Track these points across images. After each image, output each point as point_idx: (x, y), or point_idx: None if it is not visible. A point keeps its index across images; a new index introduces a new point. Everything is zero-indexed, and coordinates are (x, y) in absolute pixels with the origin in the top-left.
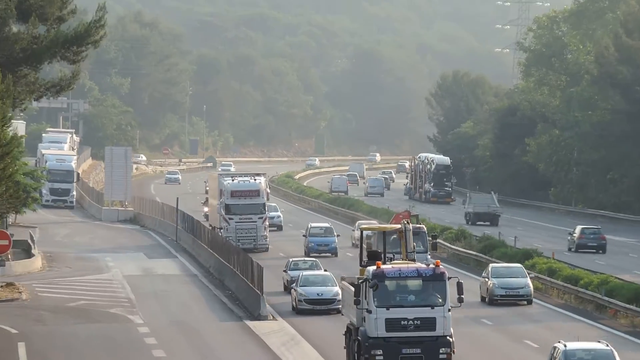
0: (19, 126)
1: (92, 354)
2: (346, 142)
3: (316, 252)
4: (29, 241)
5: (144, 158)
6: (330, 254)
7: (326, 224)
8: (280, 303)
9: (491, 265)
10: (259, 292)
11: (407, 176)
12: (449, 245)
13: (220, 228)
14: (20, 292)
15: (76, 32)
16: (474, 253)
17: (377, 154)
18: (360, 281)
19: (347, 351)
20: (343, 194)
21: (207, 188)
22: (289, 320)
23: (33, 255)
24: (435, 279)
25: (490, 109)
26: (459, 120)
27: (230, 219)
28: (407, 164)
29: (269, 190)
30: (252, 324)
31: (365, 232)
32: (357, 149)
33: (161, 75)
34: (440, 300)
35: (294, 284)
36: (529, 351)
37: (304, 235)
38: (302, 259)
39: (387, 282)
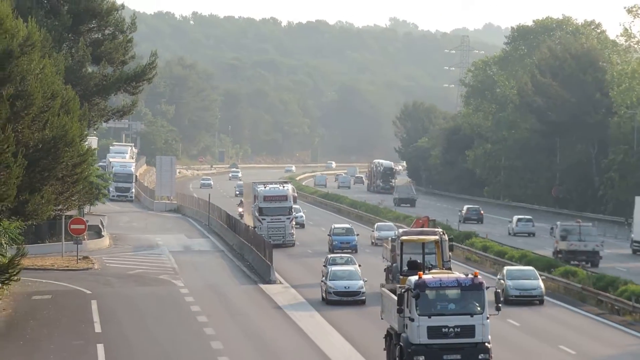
0: (92, 141)
1: (146, 308)
2: (334, 153)
3: (339, 249)
4: (100, 225)
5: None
6: (351, 251)
7: (347, 225)
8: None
9: (506, 267)
10: (269, 263)
11: (366, 176)
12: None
13: (255, 227)
14: (93, 263)
15: (135, 72)
16: None
17: (333, 162)
18: (402, 290)
19: (387, 355)
20: (347, 188)
21: (237, 192)
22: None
23: (103, 236)
24: (474, 289)
25: (440, 129)
26: (417, 137)
27: (263, 219)
28: (358, 169)
29: (296, 194)
30: (264, 287)
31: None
32: (342, 158)
33: (197, 104)
34: (479, 308)
35: (324, 277)
36: None
37: (329, 235)
38: (339, 255)
39: (428, 292)
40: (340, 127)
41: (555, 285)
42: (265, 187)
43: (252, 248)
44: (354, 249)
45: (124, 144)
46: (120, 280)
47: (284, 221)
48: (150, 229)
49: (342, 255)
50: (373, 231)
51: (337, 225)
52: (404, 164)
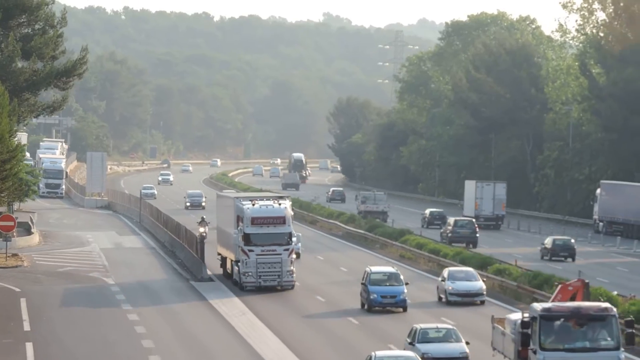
0: (22, 137)
1: (77, 306)
2: (268, 149)
3: (379, 305)
4: (29, 222)
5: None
6: (399, 309)
7: (390, 269)
8: None
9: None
10: (201, 260)
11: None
12: (343, 225)
13: (237, 261)
14: (22, 261)
15: (66, 67)
16: (362, 232)
17: (218, 160)
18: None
19: None
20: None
21: (188, 204)
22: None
23: (32, 233)
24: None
25: (374, 125)
26: (351, 133)
27: (250, 250)
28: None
29: (292, 213)
30: (195, 284)
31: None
32: (277, 153)
33: (129, 99)
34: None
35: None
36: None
37: (362, 283)
38: (433, 326)
39: None
40: (273, 123)
41: (490, 283)
42: (253, 205)
43: (184, 245)
44: (402, 306)
45: (54, 140)
46: (50, 277)
47: (280, 253)
48: (81, 226)
49: (439, 326)
50: (442, 280)
51: (375, 270)
52: (328, 161)
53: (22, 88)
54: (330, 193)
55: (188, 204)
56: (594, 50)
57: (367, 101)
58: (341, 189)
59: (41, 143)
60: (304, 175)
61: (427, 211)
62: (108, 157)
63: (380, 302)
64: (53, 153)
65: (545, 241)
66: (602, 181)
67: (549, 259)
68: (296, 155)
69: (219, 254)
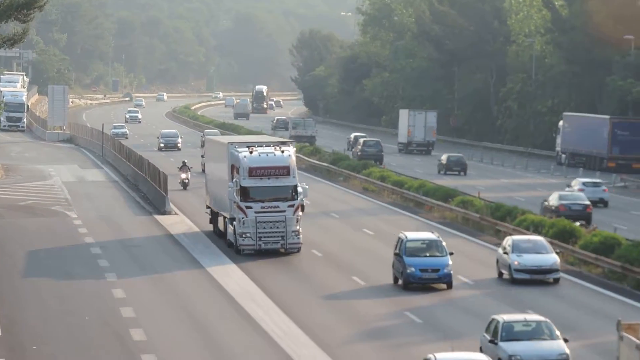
0: None
1: (38, 240)
2: (230, 82)
3: (418, 282)
4: None
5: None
6: (442, 285)
7: (430, 234)
8: None
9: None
10: (164, 194)
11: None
12: (306, 158)
13: (232, 219)
14: None
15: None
16: (326, 164)
17: (164, 94)
18: None
19: None
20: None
21: (162, 144)
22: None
23: None
24: None
25: (337, 58)
26: (314, 66)
27: (247, 207)
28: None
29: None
30: (159, 217)
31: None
32: (239, 87)
33: (90, 32)
34: None
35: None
36: (367, 237)
37: (396, 253)
38: (519, 318)
39: None
40: (236, 56)
41: (453, 215)
42: (251, 153)
43: (147, 179)
44: (446, 282)
45: (15, 73)
46: (11, 211)
47: (283, 210)
48: (43, 159)
49: (527, 319)
50: (504, 252)
51: (411, 237)
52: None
53: None
54: (274, 122)
55: (162, 144)
56: None
57: (330, 34)
58: (284, 117)
59: (2, 76)
60: (265, 106)
61: (352, 135)
62: (70, 91)
63: (420, 278)
64: (14, 86)
65: (441, 158)
66: (564, 113)
67: (444, 173)
68: (258, 87)
69: (208, 207)
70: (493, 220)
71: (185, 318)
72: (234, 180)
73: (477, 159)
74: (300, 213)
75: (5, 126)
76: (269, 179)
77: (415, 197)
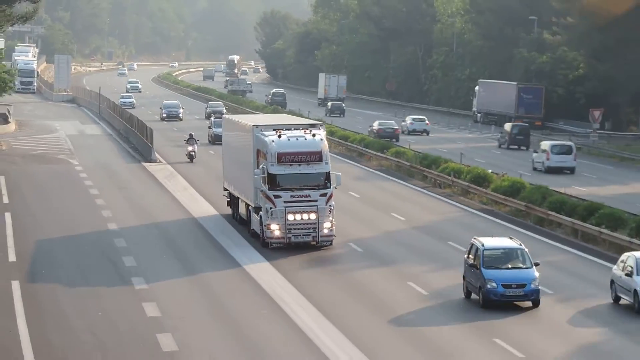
0: (0, 42)
1: (47, 183)
2: (206, 54)
3: (502, 299)
4: (7, 113)
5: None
6: (528, 302)
7: (510, 241)
8: None
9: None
10: (150, 145)
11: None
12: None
13: (257, 208)
14: (1, 145)
15: None
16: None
17: (135, 63)
18: None
19: None
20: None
21: (164, 115)
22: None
23: (9, 122)
24: None
25: (293, 34)
26: (274, 40)
27: (276, 197)
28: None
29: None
30: (146, 164)
31: None
32: (214, 58)
33: (89, 11)
34: None
35: None
36: None
37: (471, 265)
38: None
39: None
40: (210, 31)
41: (388, 164)
42: (279, 138)
43: (136, 132)
44: (533, 300)
45: (27, 44)
46: (25, 159)
47: (315, 200)
48: (50, 116)
49: None
50: (626, 274)
51: (489, 245)
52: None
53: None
54: (225, 82)
55: (164, 115)
56: None
57: (288, 14)
58: (234, 78)
59: (16, 47)
60: (236, 72)
61: (271, 92)
62: (72, 60)
63: (503, 295)
64: (26, 56)
65: (373, 124)
66: (480, 80)
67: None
68: (230, 57)
69: (226, 190)
70: (421, 168)
71: (165, 246)
72: (261, 166)
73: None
74: (333, 202)
75: (19, 89)
76: (299, 165)
77: (357, 148)
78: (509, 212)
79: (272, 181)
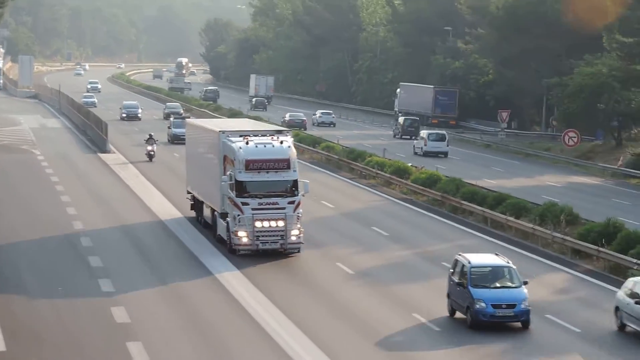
0: None
1: (11, 171)
2: (156, 56)
3: (490, 319)
4: None
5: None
6: (517, 323)
7: (497, 259)
8: None
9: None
10: (105, 137)
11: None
12: (210, 112)
13: (224, 214)
14: None
15: None
16: (226, 117)
17: (87, 64)
18: None
19: None
20: (160, 78)
21: (124, 114)
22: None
23: None
24: None
25: (234, 39)
26: (217, 45)
27: (244, 204)
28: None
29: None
30: (101, 155)
31: None
32: (162, 60)
33: (50, 16)
34: None
35: None
36: None
37: (457, 283)
38: None
39: None
40: (159, 36)
41: (319, 157)
42: (247, 144)
43: (92, 126)
44: (523, 320)
45: None
46: None
47: (283, 207)
48: (14, 110)
49: None
50: (637, 300)
51: (476, 262)
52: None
53: None
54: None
55: (124, 114)
56: None
57: (230, 21)
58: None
59: None
60: (184, 72)
61: (204, 89)
62: (35, 60)
63: (492, 315)
64: None
65: (316, 113)
66: (401, 83)
67: (317, 125)
68: (179, 59)
69: (189, 193)
70: (348, 161)
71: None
72: (228, 173)
73: (336, 115)
74: (300, 210)
75: None
76: (267, 172)
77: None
78: (427, 201)
79: (240, 188)
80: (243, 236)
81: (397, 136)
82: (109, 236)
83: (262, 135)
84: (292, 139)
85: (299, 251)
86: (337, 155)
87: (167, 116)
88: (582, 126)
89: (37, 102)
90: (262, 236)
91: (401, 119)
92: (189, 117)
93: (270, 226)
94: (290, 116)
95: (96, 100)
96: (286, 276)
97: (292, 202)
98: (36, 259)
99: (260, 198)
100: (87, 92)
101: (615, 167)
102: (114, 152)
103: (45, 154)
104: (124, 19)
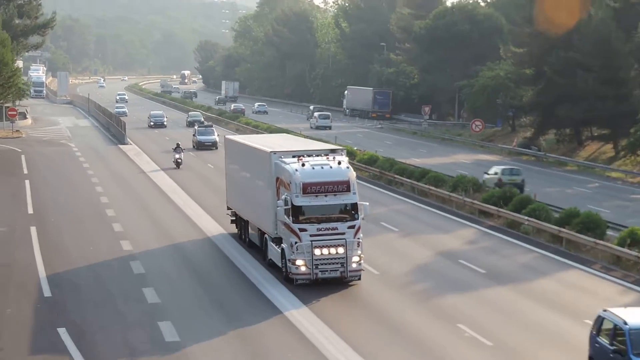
0: (19, 63)
1: (53, 160)
2: (162, 70)
3: None
4: (25, 112)
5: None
6: None
7: None
8: None
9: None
10: (123, 133)
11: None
12: (205, 113)
13: (277, 239)
14: (22, 134)
15: (44, 23)
16: (215, 115)
17: (102, 78)
18: None
19: None
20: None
21: (152, 123)
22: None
23: (27, 118)
24: None
25: (220, 56)
26: (208, 60)
27: (302, 230)
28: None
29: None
30: (121, 146)
31: None
32: (166, 73)
33: (81, 41)
34: None
35: None
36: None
37: (615, 350)
38: None
39: None
40: (163, 54)
41: None
42: (303, 166)
43: (114, 124)
44: None
45: (38, 64)
46: (38, 143)
47: (343, 233)
48: (55, 113)
49: None
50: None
51: (635, 324)
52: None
53: (18, 35)
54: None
55: (152, 123)
56: (343, 13)
57: (217, 43)
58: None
59: (31, 67)
60: (187, 82)
61: (183, 90)
62: (69, 75)
63: None
64: (38, 72)
65: (231, 105)
66: (348, 86)
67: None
68: (183, 71)
69: (230, 209)
70: None
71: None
72: (283, 197)
73: (297, 111)
74: (360, 235)
75: (33, 95)
76: (325, 196)
77: (252, 130)
78: (368, 176)
79: (297, 213)
80: (301, 265)
81: (312, 127)
82: (128, 208)
83: (317, 155)
84: (347, 157)
85: (359, 279)
86: None
87: (189, 124)
88: (486, 116)
89: (72, 107)
90: (322, 264)
91: (317, 114)
92: (211, 126)
93: (330, 253)
94: (234, 107)
95: (127, 110)
96: (361, 312)
97: (352, 227)
98: (73, 225)
99: (319, 223)
100: (117, 102)
101: (511, 147)
102: (131, 144)
103: (79, 146)
104: (137, 42)
